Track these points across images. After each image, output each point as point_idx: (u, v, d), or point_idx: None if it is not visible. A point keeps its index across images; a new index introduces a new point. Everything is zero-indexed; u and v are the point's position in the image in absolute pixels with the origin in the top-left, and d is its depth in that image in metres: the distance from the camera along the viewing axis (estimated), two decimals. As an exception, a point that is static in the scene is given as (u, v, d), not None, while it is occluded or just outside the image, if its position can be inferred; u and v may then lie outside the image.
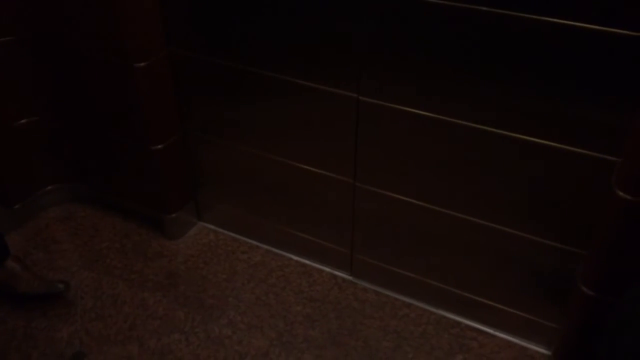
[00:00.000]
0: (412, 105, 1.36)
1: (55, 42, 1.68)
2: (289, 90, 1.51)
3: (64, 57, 1.70)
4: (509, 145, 1.29)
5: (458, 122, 1.32)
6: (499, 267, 1.49)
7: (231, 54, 1.54)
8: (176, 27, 1.59)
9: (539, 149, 1.25)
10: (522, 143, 1.27)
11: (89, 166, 1.98)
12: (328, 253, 1.77)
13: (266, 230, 1.86)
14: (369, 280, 1.74)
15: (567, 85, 1.16)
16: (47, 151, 1.94)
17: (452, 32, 1.22)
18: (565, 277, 1.38)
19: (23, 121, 1.84)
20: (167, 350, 1.56)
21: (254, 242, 1.90)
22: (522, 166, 1.31)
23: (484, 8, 1.15)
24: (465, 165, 1.39)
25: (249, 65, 1.53)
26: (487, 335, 1.58)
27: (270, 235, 1.87)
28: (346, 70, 1.40)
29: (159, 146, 1.73)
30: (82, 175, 2.02)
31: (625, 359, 0.96)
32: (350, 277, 1.77)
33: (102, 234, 1.95)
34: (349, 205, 1.62)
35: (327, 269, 1.80)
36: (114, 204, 2.02)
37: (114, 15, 1.50)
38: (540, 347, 1.54)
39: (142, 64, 1.57)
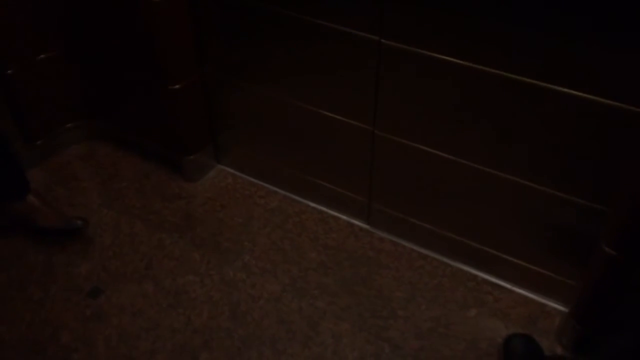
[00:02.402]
0: (437, 50, 1.29)
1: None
2: (310, 32, 1.44)
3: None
4: (540, 97, 1.21)
5: (486, 69, 1.25)
6: (520, 221, 1.44)
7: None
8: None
9: (569, 100, 1.18)
10: (553, 94, 1.19)
11: (109, 105, 1.96)
12: (345, 201, 1.74)
13: (284, 176, 1.84)
14: (386, 230, 1.72)
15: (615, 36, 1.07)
16: (68, 88, 1.93)
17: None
18: (587, 235, 1.33)
19: (42, 56, 1.82)
20: (181, 290, 1.58)
21: (272, 187, 1.89)
22: (550, 118, 1.24)
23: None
24: (490, 116, 1.32)
25: (269, 4, 1.46)
26: (503, 290, 1.55)
27: (288, 181, 1.84)
28: (368, 11, 1.32)
29: (177, 86, 1.70)
30: (104, 114, 2.01)
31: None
32: (367, 226, 1.75)
33: (121, 173, 1.95)
34: (367, 153, 1.58)
35: (344, 217, 1.78)
36: (135, 143, 2.01)
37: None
38: (557, 303, 1.51)
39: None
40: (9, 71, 1.77)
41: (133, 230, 1.75)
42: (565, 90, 1.18)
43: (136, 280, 1.60)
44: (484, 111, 1.33)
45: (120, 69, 1.80)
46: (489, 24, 1.19)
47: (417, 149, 1.47)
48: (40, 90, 1.87)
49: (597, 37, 1.09)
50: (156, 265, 1.65)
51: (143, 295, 1.56)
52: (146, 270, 1.63)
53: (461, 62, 1.27)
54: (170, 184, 1.92)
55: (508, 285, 1.56)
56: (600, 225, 1.28)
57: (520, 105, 1.26)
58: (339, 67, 1.47)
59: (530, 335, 1.39)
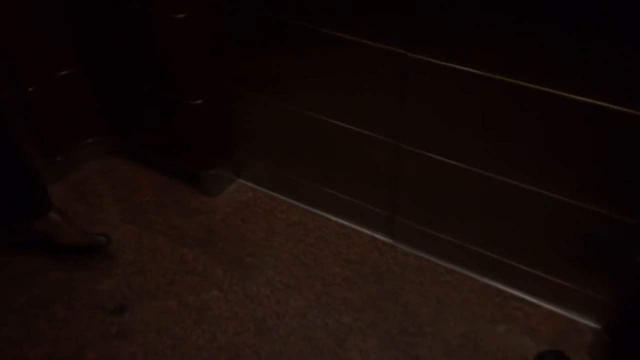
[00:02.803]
0: (463, 64, 1.28)
1: (94, -9, 1.65)
2: (334, 46, 1.44)
3: (103, 8, 1.66)
4: (567, 109, 1.20)
5: (513, 82, 1.23)
6: (548, 235, 1.42)
7: (274, 7, 1.47)
8: (217, -24, 1.53)
9: (598, 112, 1.16)
10: (581, 106, 1.18)
11: (129, 120, 1.96)
12: (368, 215, 1.73)
13: (305, 190, 1.82)
14: (410, 244, 1.70)
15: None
16: (88, 104, 1.93)
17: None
18: (618, 248, 1.31)
19: (62, 73, 1.83)
20: (205, 307, 1.56)
21: (293, 202, 1.87)
22: (578, 131, 1.22)
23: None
24: (515, 129, 1.31)
25: (292, 18, 1.46)
26: (533, 306, 1.53)
27: (309, 195, 1.83)
28: (395, 25, 1.31)
29: (198, 101, 1.70)
30: (123, 129, 2.01)
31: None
32: (390, 240, 1.73)
33: (142, 188, 1.95)
34: (391, 167, 1.57)
35: (367, 231, 1.76)
36: (154, 158, 2.01)
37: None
38: (588, 319, 1.48)
39: (182, 15, 1.52)
40: (29, 89, 1.77)
41: (155, 245, 1.74)
42: (595, 102, 1.16)
43: (160, 297, 1.59)
44: (510, 124, 1.31)
45: (140, 85, 1.80)
46: (517, 38, 1.18)
47: (442, 162, 1.46)
48: (60, 106, 1.88)
49: None
50: (179, 281, 1.63)
51: (167, 311, 1.55)
52: (170, 287, 1.62)
53: (488, 75, 1.26)
54: (191, 198, 1.91)
55: (536, 301, 1.54)
56: (631, 238, 1.26)
57: (549, 118, 1.25)
58: (363, 80, 1.46)
59: (562, 352, 1.37)
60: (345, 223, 1.79)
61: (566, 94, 1.19)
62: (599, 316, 1.46)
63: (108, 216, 1.85)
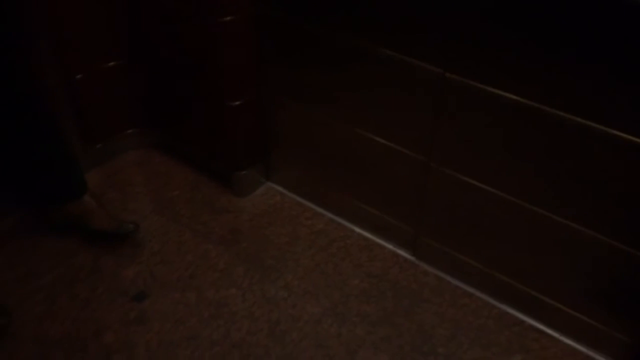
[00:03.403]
0: (500, 88, 1.28)
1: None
2: (372, 60, 1.46)
3: (153, 6, 1.72)
4: (606, 143, 1.19)
5: (549, 110, 1.23)
6: (573, 268, 1.40)
7: (317, 19, 1.51)
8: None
9: (634, 148, 1.15)
10: (619, 141, 1.16)
11: (168, 115, 2.02)
12: (392, 230, 1.73)
13: (332, 199, 1.84)
14: (432, 263, 1.69)
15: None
16: (131, 96, 1.99)
17: (554, 11, 1.12)
18: (646, 289, 1.28)
19: (110, 64, 1.89)
20: (223, 303, 1.59)
21: (319, 210, 1.89)
22: (614, 166, 1.21)
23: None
24: (549, 158, 1.30)
25: (333, 31, 1.49)
26: (551, 339, 1.50)
27: (335, 205, 1.84)
28: (435, 43, 1.33)
29: (237, 103, 1.74)
30: (162, 123, 2.07)
31: None
32: (412, 258, 1.73)
33: (174, 182, 2.00)
34: (420, 184, 1.57)
35: (390, 247, 1.76)
36: (189, 154, 2.06)
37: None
38: (606, 357, 1.45)
39: (227, 19, 1.57)
40: (77, 76, 1.84)
41: (181, 239, 1.78)
42: (630, 138, 1.15)
43: (180, 289, 1.62)
44: (543, 152, 1.30)
45: (182, 82, 1.85)
46: (556, 66, 1.18)
47: (472, 184, 1.46)
48: (105, 96, 1.95)
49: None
50: (200, 276, 1.66)
51: (186, 303, 1.58)
52: (190, 280, 1.65)
53: (524, 100, 1.26)
54: (220, 197, 1.95)
55: (556, 334, 1.51)
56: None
57: (584, 149, 1.23)
58: (399, 96, 1.48)
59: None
60: (369, 236, 1.80)
61: (603, 127, 1.18)
62: (618, 356, 1.42)
63: (139, 206, 1.90)
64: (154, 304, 1.58)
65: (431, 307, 1.58)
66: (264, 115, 1.84)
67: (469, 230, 1.55)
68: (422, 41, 1.35)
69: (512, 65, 1.24)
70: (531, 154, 1.33)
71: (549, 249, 1.41)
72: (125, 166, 2.05)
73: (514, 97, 1.27)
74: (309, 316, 1.56)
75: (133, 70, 1.93)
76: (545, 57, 1.19)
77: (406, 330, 1.52)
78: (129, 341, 1.48)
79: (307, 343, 1.49)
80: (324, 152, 1.77)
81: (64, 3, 1.70)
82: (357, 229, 1.82)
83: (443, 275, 1.67)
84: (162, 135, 2.09)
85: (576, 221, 1.33)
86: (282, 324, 1.54)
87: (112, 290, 1.62)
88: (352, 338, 1.51)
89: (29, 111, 1.54)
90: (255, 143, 1.90)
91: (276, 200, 1.94)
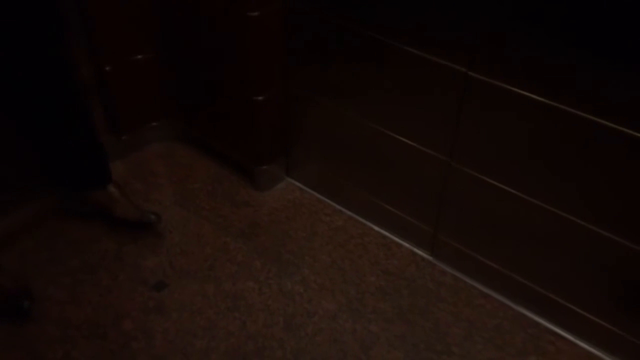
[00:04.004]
0: (524, 88, 1.27)
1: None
2: (396, 57, 1.46)
3: (185, 1, 1.75)
4: (630, 146, 1.17)
5: (572, 111, 1.22)
6: (592, 272, 1.39)
7: (344, 15, 1.51)
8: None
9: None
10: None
11: (193, 108, 2.05)
12: (411, 229, 1.73)
13: (352, 196, 1.85)
14: (449, 263, 1.69)
15: None
16: (158, 88, 2.03)
17: (587, 10, 1.11)
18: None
19: (139, 57, 1.93)
20: (240, 295, 1.61)
21: (338, 207, 1.90)
22: (636, 168, 1.19)
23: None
24: (573, 161, 1.29)
25: (359, 27, 1.50)
26: (567, 342, 1.49)
27: (355, 202, 1.85)
28: (459, 42, 1.33)
29: (260, 97, 1.76)
30: (187, 116, 2.10)
31: None
32: (429, 257, 1.73)
33: (196, 175, 2.03)
34: (440, 184, 1.57)
35: (407, 245, 1.77)
36: (212, 148, 2.08)
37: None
38: (624, 365, 1.44)
39: (256, 13, 1.58)
40: (107, 67, 1.88)
41: (201, 231, 1.81)
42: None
43: (199, 280, 1.65)
44: (566, 154, 1.29)
45: (208, 76, 1.88)
46: (578, 67, 1.17)
47: (492, 185, 1.45)
48: (133, 88, 1.98)
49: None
50: (219, 268, 1.69)
51: (203, 294, 1.61)
52: (209, 271, 1.68)
53: (548, 102, 1.25)
54: (240, 190, 1.97)
55: (571, 338, 1.49)
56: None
57: (608, 152, 1.22)
58: (422, 94, 1.48)
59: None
60: (387, 234, 1.80)
61: (626, 130, 1.16)
62: (636, 363, 1.41)
63: (161, 197, 1.93)
64: (172, 294, 1.61)
65: (447, 307, 1.58)
66: (287, 110, 1.86)
67: (487, 231, 1.55)
68: (446, 40, 1.35)
69: (535, 65, 1.24)
70: (553, 156, 1.32)
71: (568, 251, 1.40)
72: (150, 158, 2.09)
73: (538, 97, 1.26)
74: (324, 311, 1.57)
75: (161, 63, 1.97)
76: (572, 61, 1.18)
77: (421, 329, 1.53)
78: (147, 329, 1.52)
79: (322, 338, 1.50)
80: (346, 149, 1.78)
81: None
82: (376, 227, 1.83)
83: (460, 276, 1.67)
84: (187, 128, 2.13)
85: (598, 226, 1.31)
86: (298, 317, 1.55)
87: (132, 278, 1.65)
88: (366, 334, 1.51)
89: (61, 99, 1.58)
90: (278, 138, 1.92)
91: (296, 195, 1.96)
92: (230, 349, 1.47)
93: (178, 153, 2.12)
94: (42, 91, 1.53)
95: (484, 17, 1.26)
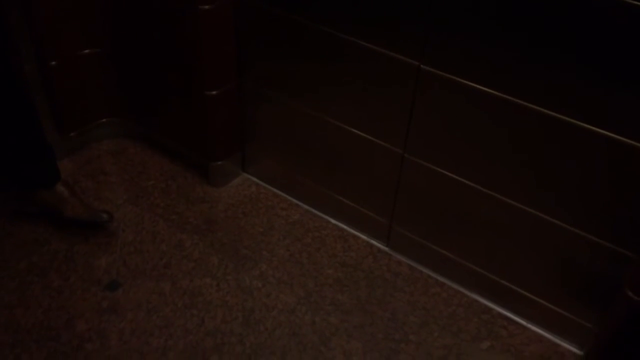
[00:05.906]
0: (476, 81, 1.31)
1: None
2: (349, 51, 1.47)
3: (132, -8, 1.72)
4: (575, 136, 1.22)
5: (523, 103, 1.26)
6: (542, 258, 1.44)
7: (298, 9, 1.51)
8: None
9: (602, 141, 1.19)
10: (589, 134, 1.20)
11: (144, 104, 2.01)
12: (367, 221, 1.75)
13: (308, 190, 1.85)
14: (405, 253, 1.72)
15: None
16: (106, 84, 1.98)
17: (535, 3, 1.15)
18: (611, 279, 1.32)
19: (86, 51, 1.87)
20: (197, 292, 1.59)
21: (294, 201, 1.90)
22: (584, 158, 1.25)
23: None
24: (522, 151, 1.33)
25: (313, 22, 1.50)
26: (518, 326, 1.54)
27: (311, 196, 1.86)
28: (411, 36, 1.35)
29: (214, 92, 1.74)
30: (138, 112, 2.05)
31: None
32: (386, 248, 1.75)
33: (149, 172, 1.99)
34: (394, 176, 1.59)
35: (364, 237, 1.79)
36: (165, 144, 2.05)
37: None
38: (572, 345, 1.49)
39: (207, 7, 1.56)
40: (52, 62, 1.82)
41: (155, 228, 1.78)
42: (600, 131, 1.18)
43: (154, 278, 1.62)
44: (516, 145, 1.34)
45: (159, 71, 1.84)
46: (530, 60, 1.21)
47: (445, 176, 1.48)
48: (80, 83, 1.93)
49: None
50: (175, 265, 1.66)
51: (159, 293, 1.58)
52: (165, 269, 1.65)
53: (499, 94, 1.29)
54: (195, 187, 1.95)
55: (523, 322, 1.55)
56: (625, 271, 1.27)
57: (554, 143, 1.27)
58: (375, 88, 1.50)
59: (542, 374, 1.38)
60: (344, 227, 1.82)
61: (574, 121, 1.21)
62: (583, 343, 1.47)
63: (113, 195, 1.89)
64: (127, 293, 1.57)
65: (403, 296, 1.61)
66: (241, 105, 1.84)
67: (441, 221, 1.58)
68: (399, 34, 1.37)
69: (485, 58, 1.27)
70: (503, 146, 1.36)
71: (518, 239, 1.45)
72: (100, 155, 2.04)
73: (489, 90, 1.30)
74: (283, 305, 1.57)
75: (109, 58, 1.92)
76: (520, 54, 1.21)
77: (378, 318, 1.55)
78: (101, 330, 1.48)
79: (281, 332, 1.50)
80: (300, 143, 1.78)
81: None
82: (333, 220, 1.84)
83: (416, 265, 1.70)
84: (139, 125, 2.08)
85: (543, 211, 1.36)
86: (257, 312, 1.55)
87: (85, 279, 1.61)
88: (325, 326, 1.52)
89: (3, 96, 1.52)
90: (232, 133, 1.90)
91: (252, 190, 1.95)
92: (189, 346, 1.45)
93: (129, 150, 2.07)
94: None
95: (435, 11, 1.28)
